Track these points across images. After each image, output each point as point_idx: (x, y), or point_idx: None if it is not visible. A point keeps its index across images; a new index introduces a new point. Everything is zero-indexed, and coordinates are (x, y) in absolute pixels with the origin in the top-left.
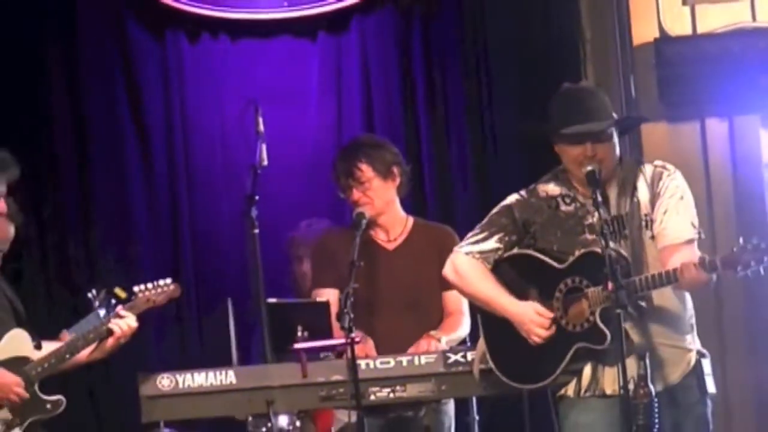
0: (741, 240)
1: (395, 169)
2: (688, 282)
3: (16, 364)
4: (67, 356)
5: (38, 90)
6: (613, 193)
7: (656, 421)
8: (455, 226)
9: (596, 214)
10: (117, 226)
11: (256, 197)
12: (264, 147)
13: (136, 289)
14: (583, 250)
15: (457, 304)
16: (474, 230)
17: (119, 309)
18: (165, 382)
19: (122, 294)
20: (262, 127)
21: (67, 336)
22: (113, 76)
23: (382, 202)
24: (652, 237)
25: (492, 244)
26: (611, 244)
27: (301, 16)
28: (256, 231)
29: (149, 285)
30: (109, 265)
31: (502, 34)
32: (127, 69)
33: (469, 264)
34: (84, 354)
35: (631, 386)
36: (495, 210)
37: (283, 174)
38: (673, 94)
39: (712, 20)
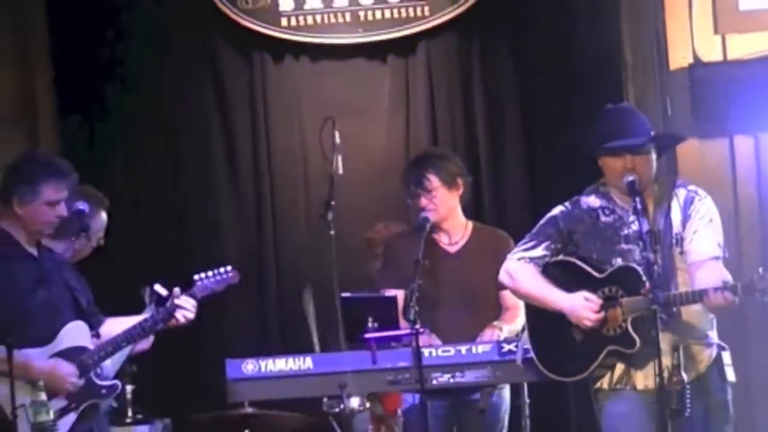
0: (761, 270)
1: (459, 180)
2: (713, 304)
3: (73, 353)
4: (123, 344)
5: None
6: (650, 210)
7: (688, 405)
8: (508, 230)
9: (632, 225)
10: (207, 227)
11: (332, 202)
12: (340, 158)
13: (196, 277)
14: (621, 264)
15: (515, 299)
16: (524, 239)
17: (181, 297)
18: (249, 366)
19: (162, 291)
20: (338, 140)
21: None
22: (205, 93)
23: (446, 209)
24: (681, 253)
25: (540, 251)
26: (649, 256)
27: (374, 41)
28: (332, 233)
29: (209, 273)
30: (200, 266)
31: (551, 59)
32: (219, 86)
33: (521, 267)
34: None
35: (665, 375)
36: (543, 221)
37: (356, 182)
38: (705, 113)
39: (741, 48)
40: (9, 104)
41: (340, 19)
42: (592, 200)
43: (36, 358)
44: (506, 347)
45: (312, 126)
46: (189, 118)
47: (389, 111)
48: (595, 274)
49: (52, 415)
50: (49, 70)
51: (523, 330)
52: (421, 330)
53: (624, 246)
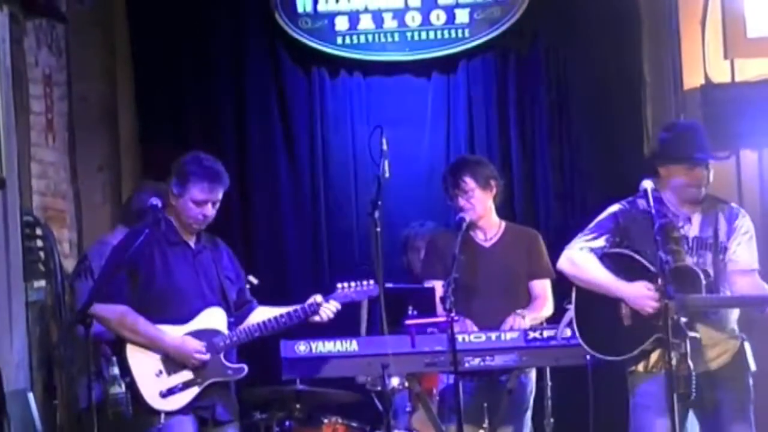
0: None
1: (492, 182)
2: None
3: (207, 334)
4: (256, 334)
5: (211, 108)
6: (697, 219)
7: (693, 390)
8: (538, 229)
9: (681, 229)
10: (269, 222)
11: (380, 203)
12: (387, 162)
13: (338, 285)
14: (677, 264)
15: (543, 290)
16: (583, 233)
17: (329, 299)
18: (302, 347)
19: (254, 281)
20: (386, 147)
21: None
22: (270, 102)
23: (482, 208)
24: (724, 262)
25: (601, 242)
26: (698, 260)
27: (419, 59)
28: (379, 230)
29: (352, 283)
30: (263, 256)
31: (579, 78)
32: (281, 97)
33: (583, 256)
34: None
35: (691, 365)
36: (602, 217)
37: (401, 185)
38: (715, 129)
39: (748, 71)
40: (96, 111)
41: (390, 39)
42: (645, 203)
43: (171, 332)
44: (532, 335)
45: (362, 134)
46: (256, 125)
47: (432, 122)
48: (651, 267)
49: (123, 387)
50: (132, 81)
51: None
52: (456, 318)
53: (673, 246)
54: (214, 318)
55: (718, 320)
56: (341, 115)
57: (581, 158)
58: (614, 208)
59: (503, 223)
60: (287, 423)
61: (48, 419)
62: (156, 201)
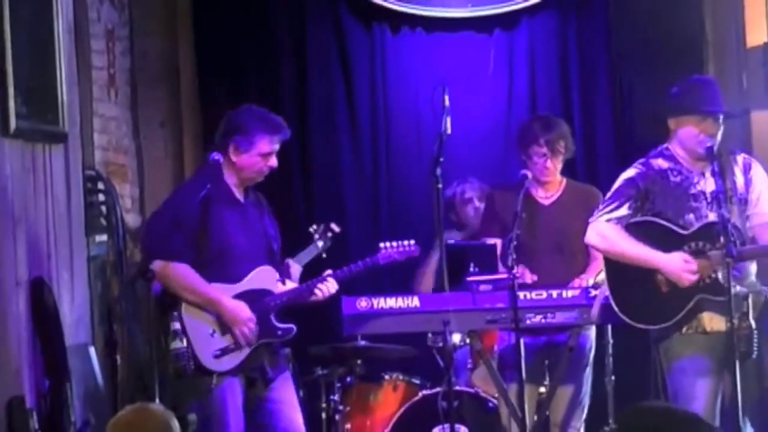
0: None
1: (571, 146)
2: None
3: (258, 293)
4: (306, 294)
5: (271, 65)
6: (711, 173)
7: (755, 348)
8: (598, 187)
9: (698, 185)
10: (330, 178)
11: (441, 159)
12: (449, 119)
13: (381, 245)
14: (705, 221)
15: None
16: (605, 202)
17: (326, 274)
18: (363, 303)
19: (336, 228)
20: (447, 103)
21: (291, 263)
22: (331, 59)
23: (558, 170)
24: (746, 214)
25: (624, 210)
26: (725, 214)
27: (482, 16)
28: (440, 186)
29: (393, 243)
30: (323, 214)
31: (640, 36)
32: (342, 53)
33: (611, 229)
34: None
35: (735, 321)
36: (620, 183)
37: (462, 142)
38: None
39: None
40: (158, 67)
41: None
42: (660, 162)
43: (224, 292)
44: (593, 293)
45: (424, 91)
46: (316, 82)
47: (493, 79)
48: (681, 231)
49: (184, 343)
50: (192, 36)
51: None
52: (518, 274)
53: (693, 204)
54: (264, 277)
55: (741, 275)
56: (402, 71)
57: (641, 118)
58: (631, 172)
59: (564, 181)
60: (348, 379)
61: (109, 374)
62: (218, 156)
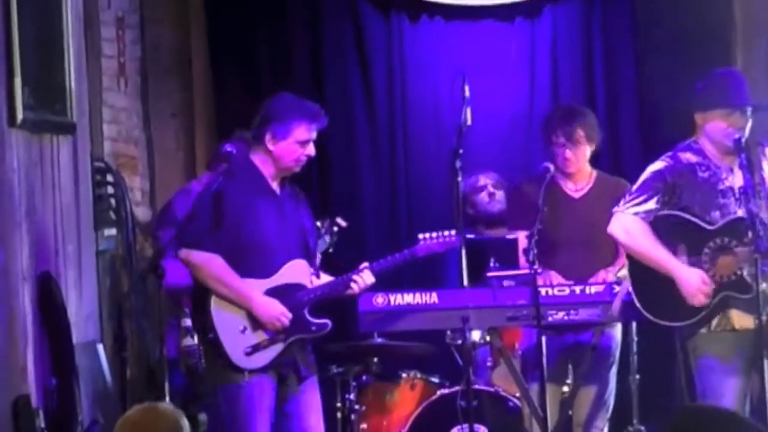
0: None
1: (597, 136)
2: None
3: (291, 288)
4: (341, 288)
5: (286, 54)
6: (738, 168)
7: None
8: (621, 169)
9: (726, 180)
10: (346, 172)
11: (460, 151)
12: (469, 110)
13: (420, 236)
14: (732, 216)
15: None
16: (632, 194)
17: (363, 267)
18: (380, 300)
19: (342, 223)
20: (467, 93)
21: None
22: (347, 48)
23: (582, 161)
24: None
25: (651, 204)
26: (754, 209)
27: (503, 4)
28: (459, 179)
29: (433, 234)
30: (339, 206)
31: (665, 23)
32: (359, 42)
33: (636, 224)
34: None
35: (765, 318)
36: (647, 175)
37: (482, 133)
38: None
39: None
40: (169, 57)
41: None
42: (689, 156)
43: (257, 287)
44: (617, 288)
45: (443, 81)
46: (332, 71)
47: (515, 69)
48: (706, 226)
49: (195, 340)
50: (205, 24)
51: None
52: (540, 270)
53: (721, 200)
54: (298, 271)
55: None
56: (421, 61)
57: (667, 109)
58: (659, 165)
59: (594, 173)
60: (364, 377)
61: (118, 372)
62: (231, 148)
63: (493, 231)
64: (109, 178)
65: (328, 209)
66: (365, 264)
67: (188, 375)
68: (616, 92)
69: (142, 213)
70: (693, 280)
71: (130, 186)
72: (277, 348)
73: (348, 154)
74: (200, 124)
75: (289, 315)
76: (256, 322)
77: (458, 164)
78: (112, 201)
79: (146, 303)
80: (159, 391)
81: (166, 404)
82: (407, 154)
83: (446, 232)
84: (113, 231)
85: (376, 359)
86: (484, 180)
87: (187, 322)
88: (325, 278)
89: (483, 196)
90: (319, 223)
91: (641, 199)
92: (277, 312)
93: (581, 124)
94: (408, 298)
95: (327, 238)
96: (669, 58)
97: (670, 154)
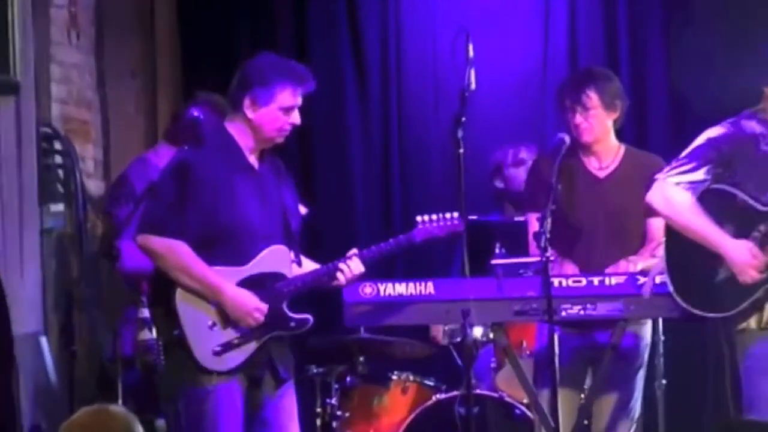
0: None
1: (618, 102)
2: None
3: (269, 278)
4: (325, 279)
5: (265, 6)
6: None
7: None
8: (648, 148)
9: None
10: (332, 145)
11: (463, 119)
12: (473, 72)
13: (418, 219)
14: None
15: (660, 232)
16: (679, 160)
17: (350, 254)
18: (367, 289)
19: (301, 209)
20: (472, 53)
21: None
22: (335, 1)
23: (600, 130)
24: None
25: (701, 175)
26: None
27: None
28: (461, 151)
29: (433, 216)
30: (324, 186)
31: None
32: None
33: (680, 194)
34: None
35: None
36: (702, 142)
37: (488, 99)
38: None
39: None
40: (129, 6)
41: None
42: (753, 125)
43: (229, 277)
44: (642, 279)
45: (443, 39)
46: (318, 28)
47: (526, 26)
48: (760, 207)
49: (154, 334)
50: None
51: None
52: (553, 258)
53: None
54: (277, 258)
55: None
56: (418, 16)
57: (701, 78)
58: (716, 131)
59: (622, 148)
60: (348, 379)
61: (64, 369)
62: (198, 113)
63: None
64: (58, 145)
65: (312, 192)
66: (353, 251)
67: (145, 374)
68: (642, 55)
69: (95, 186)
70: (742, 252)
71: (82, 155)
72: (251, 347)
73: (334, 123)
74: (163, 85)
75: (264, 309)
76: (226, 318)
77: (460, 134)
78: (60, 172)
79: (98, 290)
80: (111, 392)
81: (119, 407)
82: (402, 123)
83: (448, 215)
84: (61, 207)
85: (362, 358)
86: (525, 154)
87: (145, 312)
88: (309, 266)
89: (520, 172)
90: None
91: (689, 167)
92: (251, 306)
93: (595, 86)
94: (400, 289)
95: None
96: (705, 20)
97: (732, 120)
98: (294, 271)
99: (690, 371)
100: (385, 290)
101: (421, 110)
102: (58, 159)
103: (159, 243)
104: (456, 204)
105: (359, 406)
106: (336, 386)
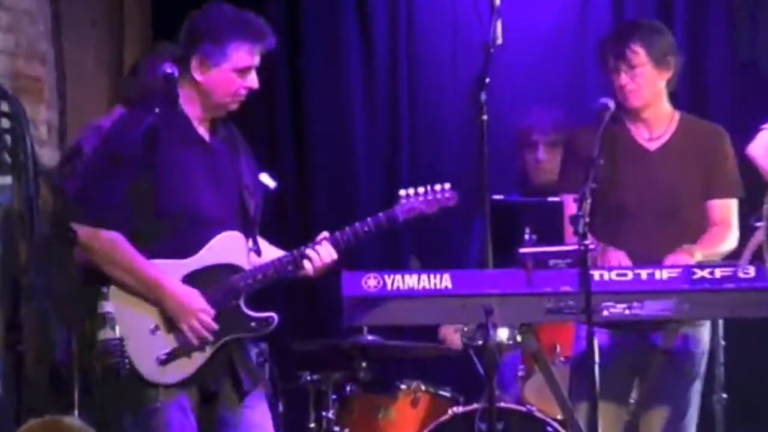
0: None
1: (670, 59)
2: None
3: (224, 271)
4: (275, 276)
5: None
6: None
7: None
8: (707, 118)
9: None
10: (329, 107)
11: (487, 79)
12: (499, 24)
13: (402, 192)
14: None
15: (725, 214)
16: None
17: (320, 238)
18: (372, 282)
19: (270, 183)
20: (498, 2)
21: None
22: None
23: (650, 93)
24: None
25: None
26: None
27: None
28: (485, 117)
29: (419, 190)
30: (320, 158)
31: None
32: None
33: None
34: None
35: None
36: None
37: (517, 55)
38: None
39: None
40: None
41: None
42: None
43: (172, 271)
44: (699, 273)
45: None
46: None
47: None
48: None
49: (118, 332)
50: None
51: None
52: (593, 246)
53: None
54: (231, 247)
55: None
56: None
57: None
58: None
59: (677, 115)
60: (348, 388)
61: (11, 372)
62: (171, 69)
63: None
64: (4, 106)
65: (304, 165)
66: (323, 234)
67: (106, 379)
68: (701, 10)
69: (49, 155)
70: None
71: (33, 118)
72: (204, 353)
73: (332, 84)
74: (130, 37)
75: (211, 311)
76: (171, 320)
77: (483, 97)
78: (8, 138)
79: (51, 279)
80: (66, 400)
81: (74, 419)
82: (412, 82)
83: (438, 186)
84: (8, 179)
85: (364, 363)
86: (555, 135)
87: (107, 306)
88: (271, 255)
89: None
90: None
91: None
92: (195, 307)
93: (642, 40)
94: (411, 281)
95: None
96: None
97: None
98: (253, 261)
99: (755, 383)
100: (392, 283)
101: (436, 68)
102: (5, 123)
103: (92, 234)
104: (476, 180)
105: (360, 420)
106: (333, 396)
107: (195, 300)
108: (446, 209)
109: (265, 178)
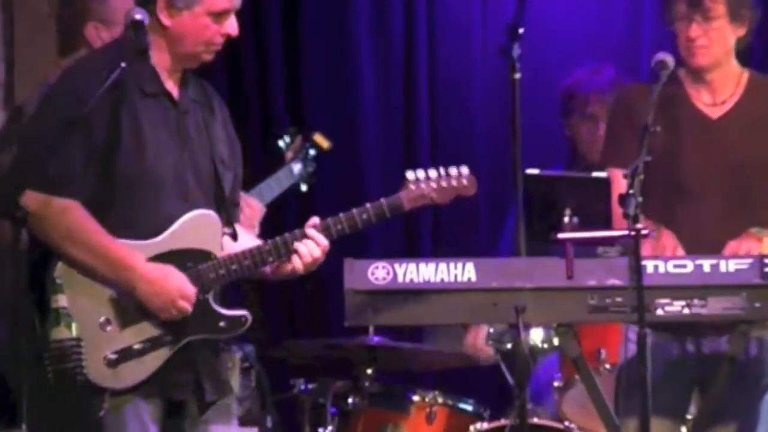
0: None
1: (745, 12)
2: None
3: (191, 258)
4: (253, 267)
5: None
6: None
7: None
8: None
9: None
10: (335, 74)
11: (521, 30)
12: None
13: (409, 176)
14: None
15: None
16: None
17: (307, 229)
18: (380, 272)
19: (324, 143)
20: None
21: (246, 199)
22: None
23: (721, 51)
24: None
25: None
26: None
27: None
28: (518, 75)
29: (430, 173)
30: (323, 126)
31: None
32: None
33: None
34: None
35: None
36: None
37: (553, 6)
38: None
39: None
40: None
41: None
42: None
43: (142, 256)
44: None
45: None
46: None
47: None
48: None
49: (75, 332)
50: None
51: None
52: (646, 231)
53: None
54: (202, 229)
55: None
56: None
57: None
58: None
59: (745, 76)
60: (351, 400)
61: None
62: (141, 14)
63: None
64: None
65: (302, 122)
66: (314, 220)
67: (60, 384)
68: None
69: None
70: None
71: None
72: (161, 355)
73: (339, 49)
74: None
75: (192, 296)
76: (128, 311)
77: (517, 51)
78: None
79: None
80: (13, 411)
81: None
82: (433, 48)
83: (453, 171)
84: None
85: (370, 370)
86: (583, 102)
87: (62, 300)
88: (249, 241)
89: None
90: (281, 140)
91: None
92: (174, 291)
93: None
94: (427, 272)
95: (296, 167)
96: None
97: None
98: (227, 248)
99: None
100: (404, 274)
101: (460, 30)
102: None
103: (44, 203)
104: (506, 154)
105: None
106: (332, 410)
107: (175, 281)
108: (464, 199)
109: (319, 138)
